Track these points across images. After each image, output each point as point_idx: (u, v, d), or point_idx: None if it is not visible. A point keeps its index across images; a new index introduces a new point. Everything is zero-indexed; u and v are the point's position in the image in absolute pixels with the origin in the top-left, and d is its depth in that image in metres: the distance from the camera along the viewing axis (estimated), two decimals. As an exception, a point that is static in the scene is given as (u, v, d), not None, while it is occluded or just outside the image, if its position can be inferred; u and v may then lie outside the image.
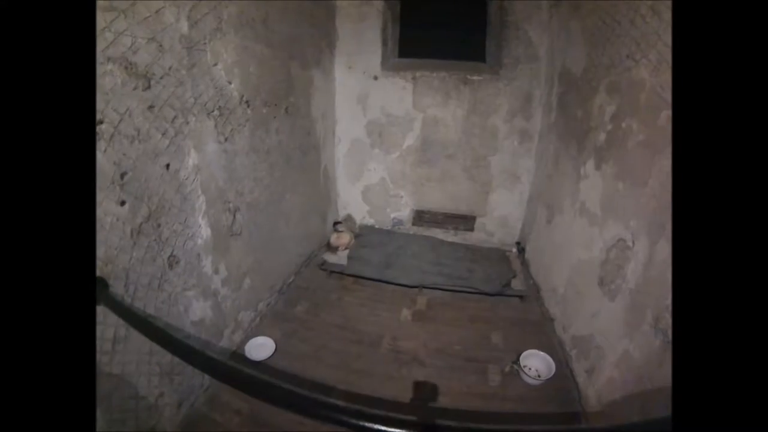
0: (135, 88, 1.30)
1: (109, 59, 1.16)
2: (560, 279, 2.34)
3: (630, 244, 1.59)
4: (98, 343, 1.31)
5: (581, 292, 2.04)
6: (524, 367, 2.03)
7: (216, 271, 1.96)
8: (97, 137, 1.19)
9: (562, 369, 2.02)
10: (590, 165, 2.02)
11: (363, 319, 2.50)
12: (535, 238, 2.97)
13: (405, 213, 3.54)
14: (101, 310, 1.26)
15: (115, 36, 1.17)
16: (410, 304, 2.66)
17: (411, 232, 3.53)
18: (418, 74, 3.08)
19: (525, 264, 3.08)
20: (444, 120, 3.15)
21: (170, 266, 1.62)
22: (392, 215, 3.57)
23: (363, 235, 3.39)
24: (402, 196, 3.48)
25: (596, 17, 2.04)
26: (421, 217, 3.51)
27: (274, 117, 2.37)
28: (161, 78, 1.41)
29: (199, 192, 1.78)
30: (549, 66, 2.80)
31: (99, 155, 1.20)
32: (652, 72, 1.51)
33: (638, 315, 1.47)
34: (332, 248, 3.21)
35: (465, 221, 3.43)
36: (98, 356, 1.32)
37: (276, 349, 2.18)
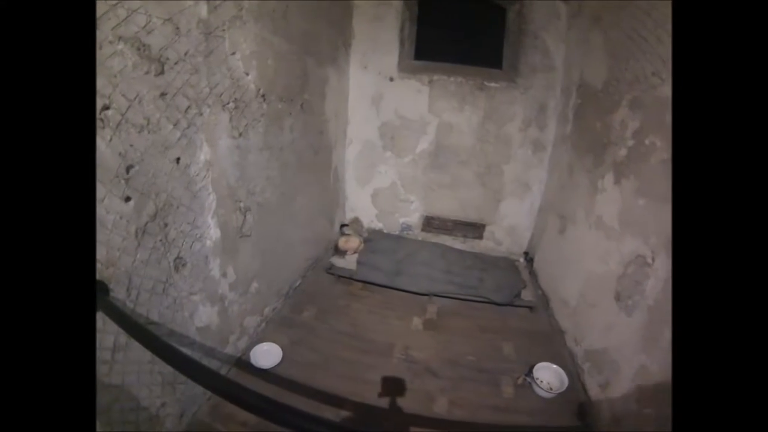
0: (147, 73, 1.18)
1: (120, 38, 1.05)
2: (571, 291, 2.31)
3: (650, 260, 1.57)
4: (97, 352, 1.18)
5: (595, 306, 2.01)
6: (536, 379, 1.99)
7: (224, 275, 1.83)
8: (102, 124, 1.06)
9: (574, 382, 2.00)
10: (609, 179, 1.99)
11: (373, 328, 2.42)
12: (545, 249, 2.93)
13: (414, 218, 3.47)
14: (100, 317, 1.14)
15: (128, 13, 1.05)
16: (421, 312, 2.59)
17: (419, 238, 3.46)
18: (435, 77, 3.01)
19: (533, 274, 3.03)
20: (459, 126, 3.09)
21: (176, 269, 1.50)
22: (401, 220, 3.50)
23: (373, 240, 3.28)
24: (412, 201, 3.41)
25: (620, 31, 1.98)
26: (430, 223, 3.45)
27: (289, 113, 2.25)
28: (176, 63, 1.29)
29: (210, 190, 1.66)
30: (565, 76, 2.76)
31: (103, 145, 1.08)
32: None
33: (657, 331, 1.45)
34: (340, 252, 3.09)
35: (474, 229, 3.38)
36: (97, 366, 1.20)
37: (283, 357, 2.08)
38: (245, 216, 1.97)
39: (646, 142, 1.68)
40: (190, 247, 1.58)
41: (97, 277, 1.15)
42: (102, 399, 1.23)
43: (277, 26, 1.93)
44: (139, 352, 1.29)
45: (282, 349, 2.11)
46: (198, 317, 1.67)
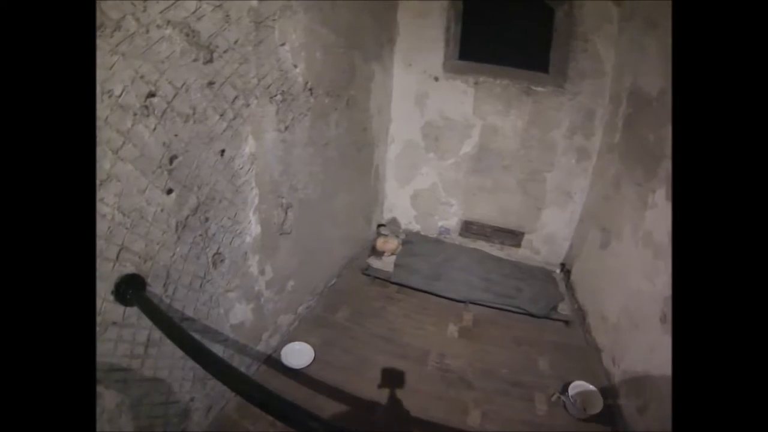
0: (195, 60, 1.13)
1: (168, 23, 0.99)
2: (612, 308, 2.20)
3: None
4: (130, 347, 1.16)
5: (637, 325, 1.89)
6: (571, 399, 1.93)
7: (261, 272, 1.79)
8: (147, 112, 1.02)
9: (608, 403, 1.93)
10: (660, 194, 1.84)
11: (408, 332, 2.37)
12: (584, 261, 2.81)
13: (453, 222, 3.38)
14: (135, 312, 1.11)
15: (177, -4, 1.00)
16: (457, 319, 2.54)
17: (457, 242, 3.38)
18: (480, 79, 2.90)
19: (570, 287, 2.91)
20: (503, 130, 2.98)
21: (214, 265, 1.46)
22: (439, 223, 3.42)
23: (412, 242, 3.19)
24: (452, 205, 3.33)
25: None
26: (468, 228, 3.36)
27: (335, 108, 2.18)
28: (225, 52, 1.24)
29: (253, 184, 1.62)
30: (615, 82, 2.58)
31: (147, 134, 1.04)
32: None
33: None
34: (377, 253, 3.01)
35: (513, 236, 3.27)
36: (129, 361, 1.18)
37: (314, 358, 2.03)
38: (287, 213, 1.92)
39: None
40: (230, 242, 1.54)
41: (135, 270, 1.12)
42: (133, 393, 1.21)
43: (326, 17, 1.86)
44: (172, 347, 1.25)
45: (314, 350, 2.06)
46: (233, 314, 1.64)
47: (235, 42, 1.27)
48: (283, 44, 1.55)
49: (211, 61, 1.19)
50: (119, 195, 1.02)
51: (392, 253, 2.99)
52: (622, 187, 2.29)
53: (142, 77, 0.99)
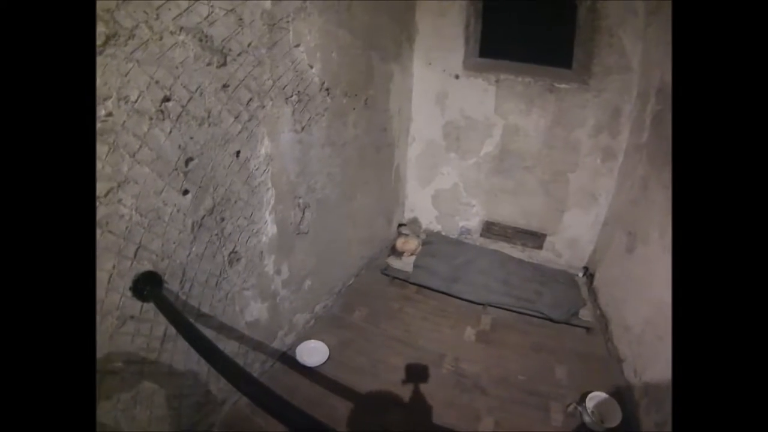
0: (209, 64, 1.16)
1: (181, 29, 1.02)
2: (636, 317, 2.09)
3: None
4: (146, 341, 1.21)
5: (662, 338, 1.79)
6: (588, 410, 1.86)
7: (278, 272, 1.82)
8: (162, 116, 1.05)
9: (627, 417, 1.85)
10: None
11: (425, 335, 2.35)
12: (608, 266, 2.69)
13: (474, 222, 3.34)
14: (152, 308, 1.16)
15: (189, 4, 1.03)
16: (474, 322, 2.50)
17: (477, 243, 3.34)
18: (501, 77, 2.83)
19: (592, 292, 2.81)
20: (525, 129, 2.90)
21: (230, 264, 1.50)
22: (460, 223, 3.39)
23: (432, 242, 3.17)
24: (474, 205, 3.29)
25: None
26: (490, 228, 3.31)
27: (353, 109, 2.18)
28: (238, 55, 1.26)
29: (269, 185, 1.64)
30: (643, 78, 2.45)
31: (162, 137, 1.07)
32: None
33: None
34: (397, 253, 3.01)
35: (534, 238, 3.19)
36: (145, 354, 1.22)
37: (329, 356, 2.05)
38: (304, 213, 1.94)
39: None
40: (246, 242, 1.58)
41: (152, 268, 1.16)
42: (146, 386, 1.25)
43: (341, 18, 1.86)
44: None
45: (329, 349, 2.07)
46: (248, 312, 1.67)
47: (249, 45, 1.29)
48: (297, 45, 1.56)
49: (224, 64, 1.22)
50: (137, 196, 1.06)
51: (412, 254, 2.98)
52: (650, 189, 2.19)
53: (157, 82, 1.02)
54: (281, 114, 1.60)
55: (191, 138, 1.19)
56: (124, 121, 0.97)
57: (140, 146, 1.04)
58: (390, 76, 2.59)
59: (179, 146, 1.16)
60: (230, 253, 1.49)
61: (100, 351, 1.05)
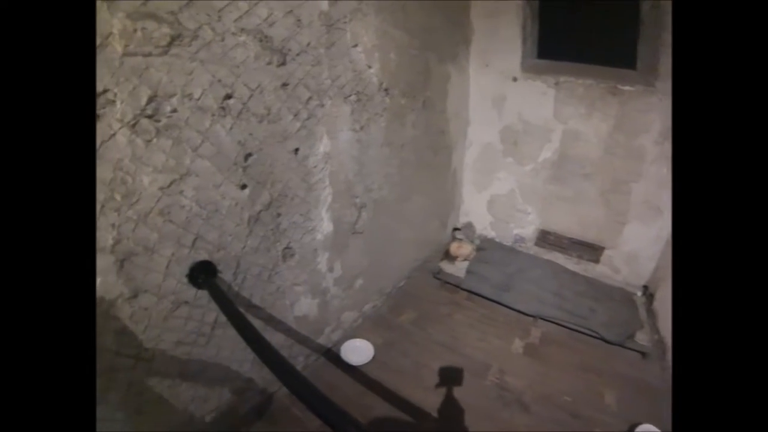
0: (269, 63, 1.20)
1: (242, 30, 1.06)
2: None
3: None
4: (198, 325, 1.27)
5: None
6: None
7: (330, 270, 1.84)
8: (224, 113, 1.10)
9: None
10: None
11: (471, 343, 2.28)
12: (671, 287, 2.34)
13: (529, 230, 3.19)
14: (205, 295, 1.22)
15: (249, 6, 1.06)
16: (523, 334, 2.38)
17: (531, 252, 3.18)
18: (561, 79, 2.64)
19: (652, 313, 2.55)
20: (585, 135, 2.69)
21: (284, 259, 1.54)
22: (515, 231, 3.25)
23: (486, 249, 3.07)
24: (529, 213, 3.14)
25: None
26: (545, 237, 3.14)
27: (412, 110, 2.15)
28: (297, 55, 1.29)
29: (327, 183, 1.66)
30: None
31: (223, 132, 1.13)
32: None
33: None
34: (450, 257, 2.95)
35: (591, 251, 2.97)
36: (195, 338, 1.29)
37: (373, 357, 2.04)
38: (360, 212, 1.94)
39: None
40: (300, 238, 1.61)
41: (208, 258, 1.22)
42: (191, 367, 1.31)
43: (397, 19, 1.84)
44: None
45: (374, 349, 2.06)
46: (298, 307, 1.71)
47: (307, 45, 1.32)
48: (355, 46, 1.57)
49: (284, 63, 1.25)
50: (197, 189, 1.13)
51: (465, 259, 2.92)
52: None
53: (219, 81, 1.07)
54: (340, 113, 1.62)
55: (251, 134, 1.24)
56: (188, 117, 1.03)
57: (202, 141, 1.09)
58: (447, 77, 2.53)
59: (239, 142, 1.21)
60: (284, 248, 1.53)
61: (153, 331, 1.12)
